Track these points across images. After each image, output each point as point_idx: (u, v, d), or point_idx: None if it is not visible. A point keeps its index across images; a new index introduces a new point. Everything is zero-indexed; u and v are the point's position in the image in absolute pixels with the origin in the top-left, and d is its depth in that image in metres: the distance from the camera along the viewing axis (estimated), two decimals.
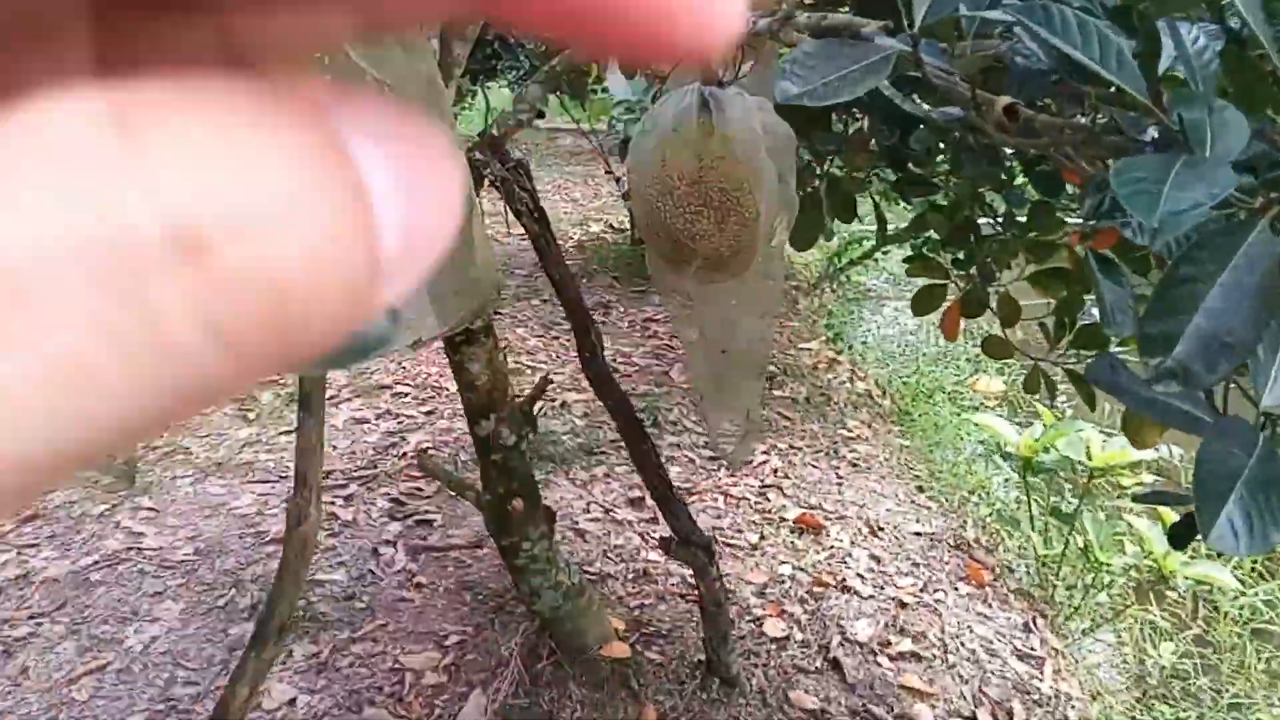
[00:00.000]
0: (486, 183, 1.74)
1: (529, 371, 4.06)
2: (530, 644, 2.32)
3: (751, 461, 3.34)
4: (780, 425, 3.69)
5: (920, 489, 3.40)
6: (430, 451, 3.39)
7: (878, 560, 2.89)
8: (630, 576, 2.71)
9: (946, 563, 2.92)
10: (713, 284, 1.58)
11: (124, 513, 2.97)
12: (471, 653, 2.36)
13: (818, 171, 2.12)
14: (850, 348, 4.90)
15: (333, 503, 3.07)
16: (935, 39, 0.86)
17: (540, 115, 1.69)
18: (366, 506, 3.06)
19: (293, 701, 2.19)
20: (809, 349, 4.62)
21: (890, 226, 2.57)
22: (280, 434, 3.48)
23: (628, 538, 2.92)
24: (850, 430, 3.73)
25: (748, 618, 2.53)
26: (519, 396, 2.04)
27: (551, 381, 2.15)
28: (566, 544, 2.80)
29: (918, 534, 3.07)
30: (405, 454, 3.39)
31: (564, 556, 2.20)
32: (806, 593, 2.68)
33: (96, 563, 2.70)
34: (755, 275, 1.55)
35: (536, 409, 2.05)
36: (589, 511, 3.07)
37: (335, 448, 3.47)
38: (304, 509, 1.82)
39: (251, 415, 3.66)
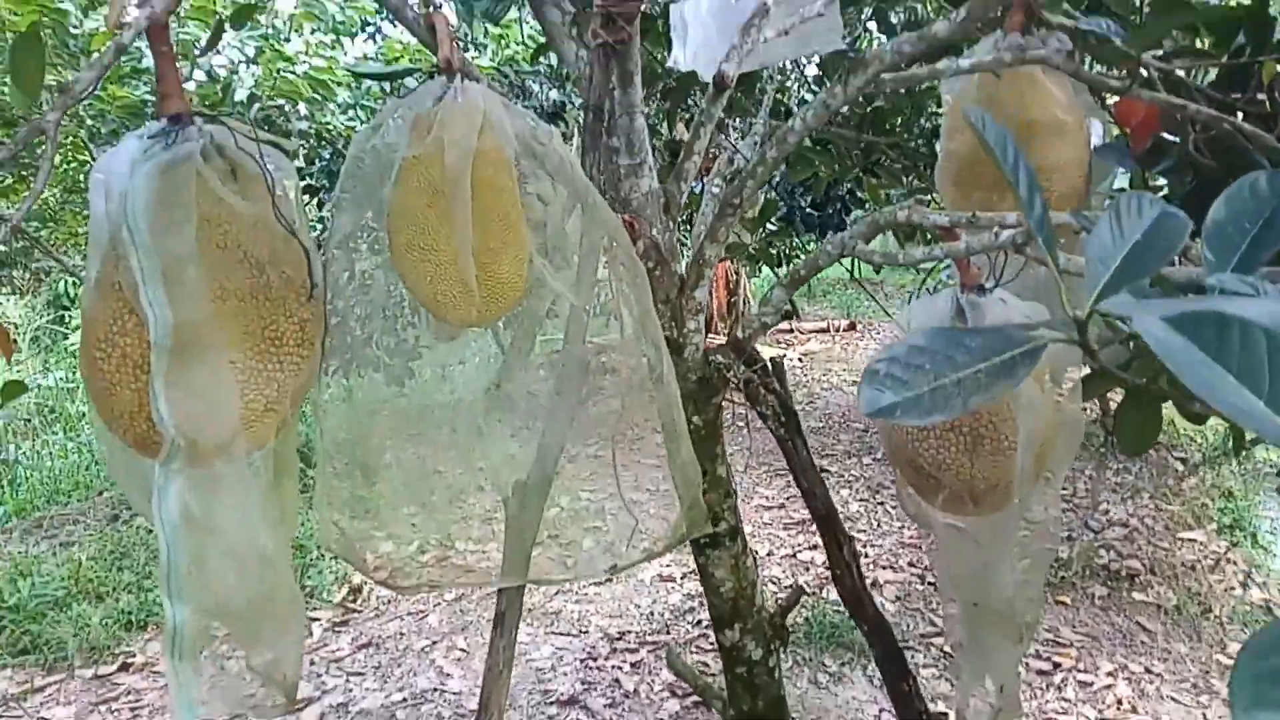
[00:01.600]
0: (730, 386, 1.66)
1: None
2: None
3: (1091, 685, 2.78)
4: (1135, 640, 3.06)
5: None
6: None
7: None
8: None
9: None
10: (962, 521, 1.34)
11: (439, 650, 3.20)
12: None
13: None
14: (1250, 542, 4.00)
15: (620, 667, 3.06)
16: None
17: (788, 317, 1.58)
18: (650, 678, 3.00)
19: None
20: (1190, 540, 3.85)
21: None
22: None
23: None
24: (1233, 656, 2.98)
25: None
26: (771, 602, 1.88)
27: (806, 593, 1.96)
28: None
29: None
30: (700, 621, 3.30)
31: None
32: None
33: (405, 699, 2.91)
34: (1014, 515, 1.28)
35: (789, 619, 1.88)
36: None
37: (637, 606, 3.49)
38: None
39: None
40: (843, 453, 5.16)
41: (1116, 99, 1.65)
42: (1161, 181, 1.86)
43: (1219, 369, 0.40)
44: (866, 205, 5.53)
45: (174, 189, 1.07)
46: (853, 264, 5.28)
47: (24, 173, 4.00)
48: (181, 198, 1.08)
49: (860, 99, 2.82)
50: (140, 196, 1.05)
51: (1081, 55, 1.68)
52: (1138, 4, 1.69)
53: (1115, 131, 1.83)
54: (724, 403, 1.73)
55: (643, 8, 1.55)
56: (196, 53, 3.38)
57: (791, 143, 1.59)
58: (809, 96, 3.92)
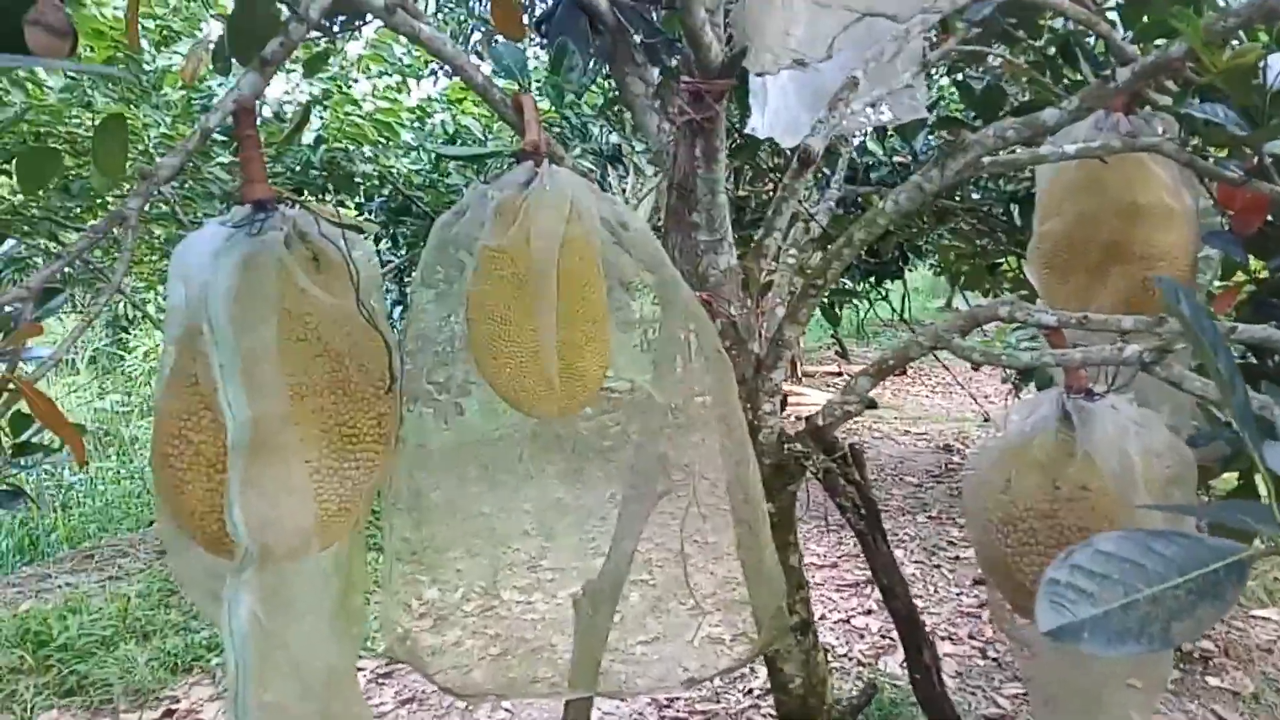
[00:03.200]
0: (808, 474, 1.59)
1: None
2: None
3: None
4: None
5: None
6: None
7: None
8: None
9: None
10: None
11: (483, 710, 3.13)
12: None
13: None
14: None
15: None
16: None
17: (872, 406, 1.51)
18: None
19: None
20: (1264, 619, 3.66)
21: None
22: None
23: None
24: None
25: None
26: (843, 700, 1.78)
27: (877, 690, 1.86)
28: None
29: None
30: (751, 690, 3.20)
31: None
32: None
33: None
34: None
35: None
36: None
37: (685, 668, 3.39)
38: None
39: None
40: (896, 509, 5.02)
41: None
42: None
43: None
44: (926, 254, 5.42)
45: (257, 282, 1.04)
46: (903, 306, 5.16)
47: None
48: (264, 291, 1.04)
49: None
50: (222, 290, 1.02)
51: (1186, 138, 1.60)
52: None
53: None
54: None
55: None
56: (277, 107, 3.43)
57: (881, 224, 1.52)
58: (872, 145, 3.86)
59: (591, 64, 1.46)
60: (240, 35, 1.22)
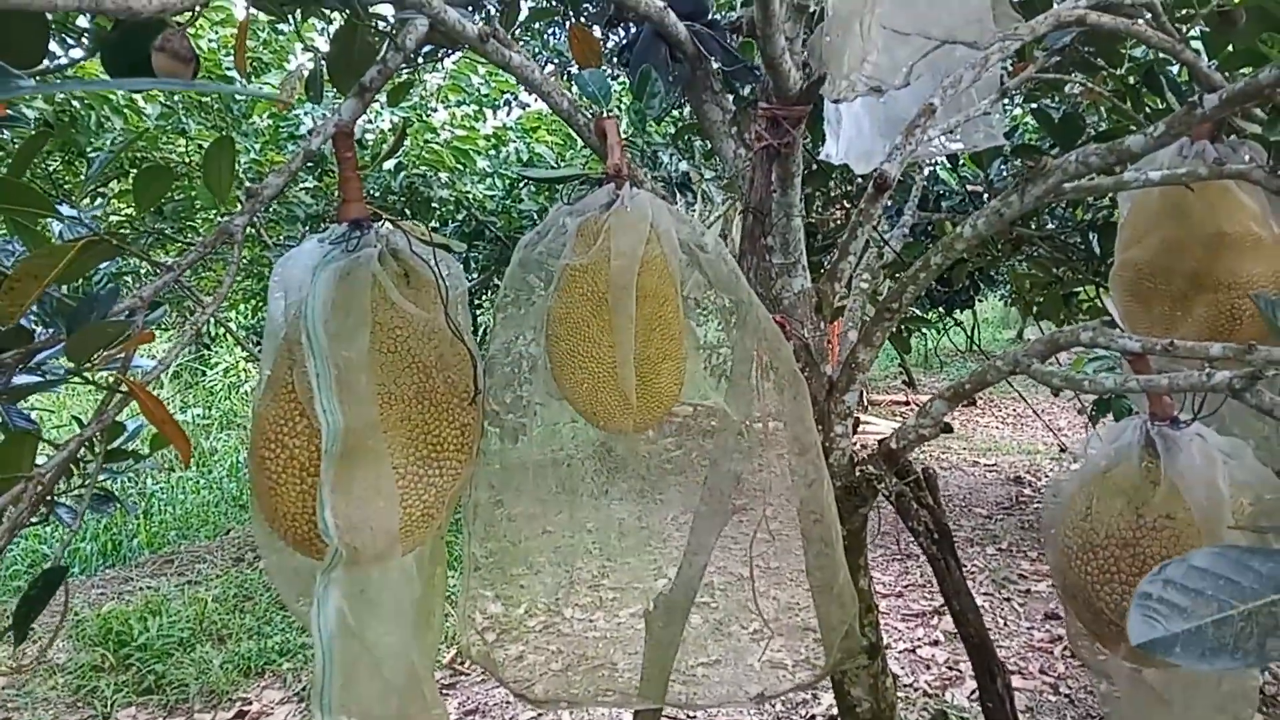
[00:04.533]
0: (880, 497, 1.58)
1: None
2: None
3: None
4: None
5: None
6: None
7: None
8: None
9: None
10: (1151, 675, 1.22)
11: (549, 717, 3.15)
12: None
13: None
14: None
15: None
16: None
17: (947, 430, 1.50)
18: None
19: None
20: None
21: None
22: None
23: None
24: None
25: None
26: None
27: (946, 718, 1.84)
28: None
29: None
30: (813, 717, 3.16)
31: None
32: None
33: None
34: (1213, 682, 1.16)
35: None
36: None
37: (747, 693, 3.36)
38: None
39: None
40: (965, 540, 4.92)
41: None
42: None
43: None
44: (998, 284, 5.34)
45: (351, 294, 1.09)
46: (973, 334, 5.08)
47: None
48: (358, 303, 1.09)
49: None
50: (319, 301, 1.07)
51: (1276, 165, 1.57)
52: None
53: None
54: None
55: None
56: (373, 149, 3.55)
57: (959, 249, 1.52)
58: (944, 174, 3.83)
59: (671, 90, 1.49)
60: (339, 64, 1.28)
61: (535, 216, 4.13)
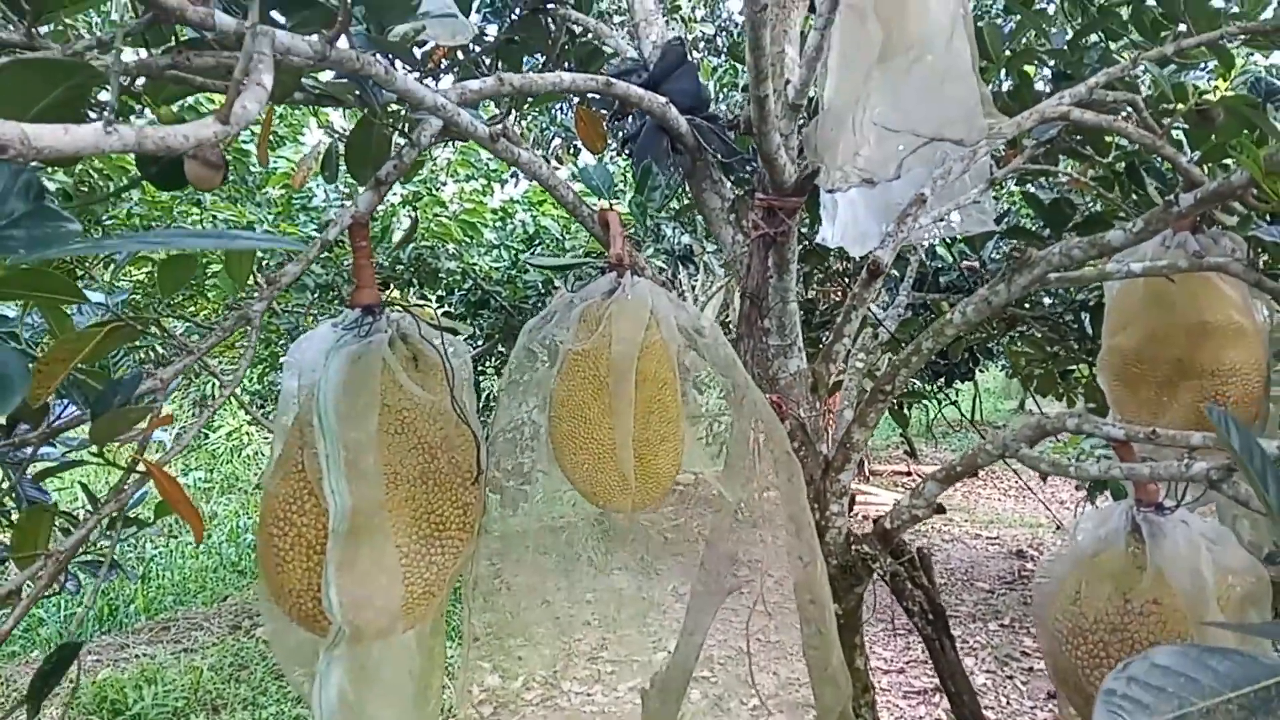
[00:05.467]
0: (875, 576, 1.60)
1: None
2: None
3: None
4: None
5: None
6: None
7: None
8: None
9: None
10: None
11: None
12: None
13: None
14: None
15: None
16: None
17: (940, 511, 1.53)
18: None
19: None
20: None
21: None
22: None
23: None
24: None
25: None
26: None
27: None
28: None
29: None
30: None
31: None
32: None
33: None
34: None
35: None
36: None
37: None
38: None
39: None
40: (966, 615, 4.88)
41: None
42: None
43: None
44: (997, 356, 5.39)
45: (362, 378, 1.13)
46: (973, 407, 5.11)
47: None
48: (369, 387, 1.13)
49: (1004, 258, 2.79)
50: (332, 385, 1.11)
51: (1255, 259, 1.62)
52: None
53: None
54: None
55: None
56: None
57: (949, 335, 1.57)
58: (940, 249, 3.91)
59: (672, 180, 1.56)
60: (357, 155, 1.35)
61: (540, 287, 4.21)
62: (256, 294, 1.16)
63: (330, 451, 1.09)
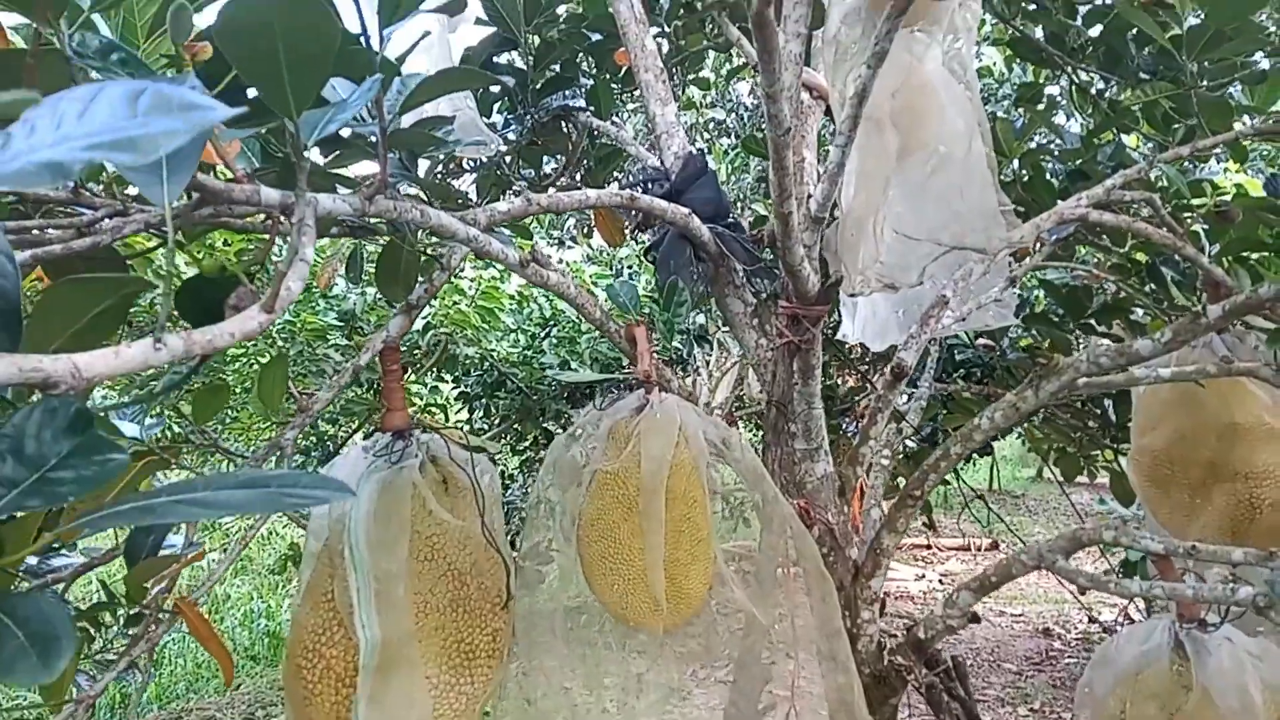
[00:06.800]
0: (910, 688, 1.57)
1: None
2: None
3: None
4: None
5: None
6: None
7: None
8: None
9: None
10: None
11: None
12: None
13: None
14: None
15: None
16: None
17: (975, 620, 1.50)
18: None
19: None
20: None
21: None
22: None
23: None
24: None
25: None
26: None
27: None
28: None
29: None
30: None
31: None
32: None
33: None
34: None
35: None
36: None
37: None
38: None
39: None
40: (994, 699, 4.75)
41: None
42: None
43: None
44: (1020, 438, 5.35)
45: (393, 505, 1.13)
46: (991, 475, 5.06)
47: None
48: (399, 514, 1.13)
49: (1028, 354, 2.78)
50: (363, 513, 1.11)
51: None
52: None
53: None
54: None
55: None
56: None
57: (978, 440, 1.56)
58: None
59: (695, 289, 1.57)
60: (386, 274, 1.36)
61: (554, 368, 4.22)
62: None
63: (361, 585, 1.08)
